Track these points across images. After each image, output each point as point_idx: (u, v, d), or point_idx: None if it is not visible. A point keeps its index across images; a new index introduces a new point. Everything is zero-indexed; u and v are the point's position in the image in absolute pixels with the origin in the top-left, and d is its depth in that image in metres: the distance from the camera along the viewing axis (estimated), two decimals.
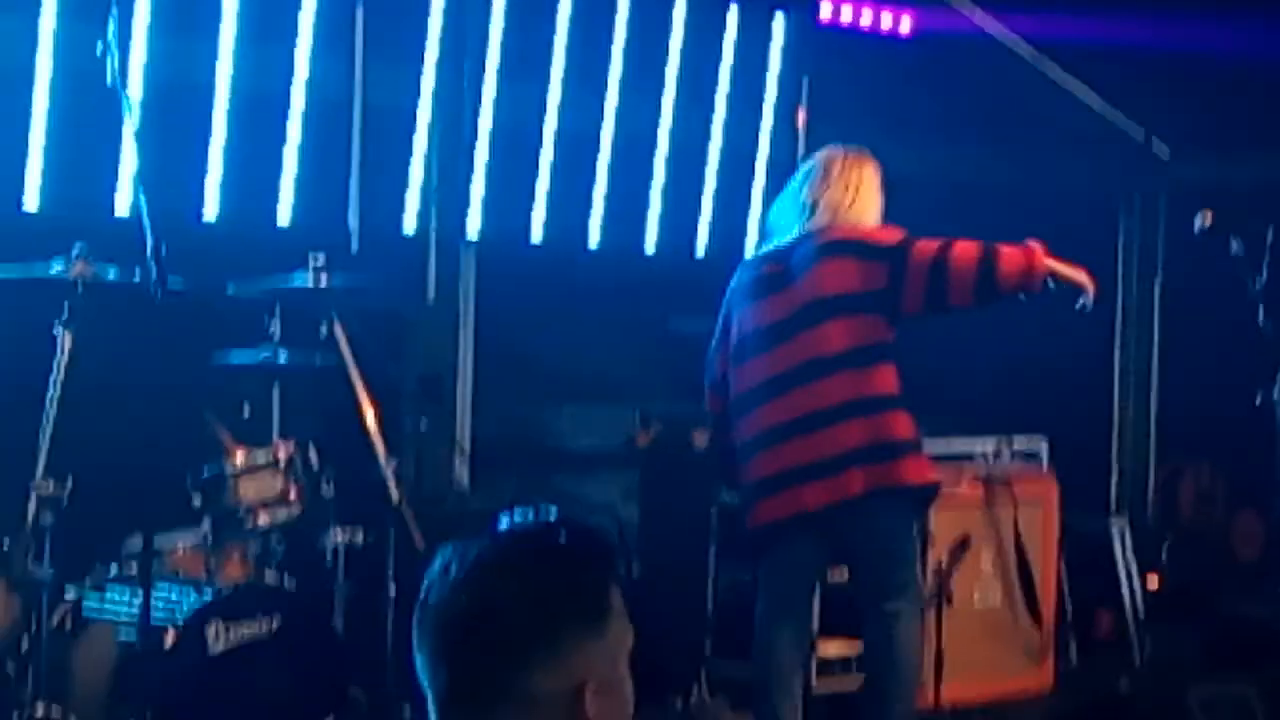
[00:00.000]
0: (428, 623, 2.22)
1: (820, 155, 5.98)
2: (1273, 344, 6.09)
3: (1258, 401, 6.20)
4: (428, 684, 2.23)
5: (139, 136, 5.50)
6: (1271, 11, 8.16)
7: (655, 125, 8.36)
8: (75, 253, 5.33)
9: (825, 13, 8.71)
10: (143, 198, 5.27)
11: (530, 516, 2.35)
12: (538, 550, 2.25)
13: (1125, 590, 7.86)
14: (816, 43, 8.77)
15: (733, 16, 8.54)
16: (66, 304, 5.33)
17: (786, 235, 5.88)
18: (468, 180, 7.79)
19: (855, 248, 5.77)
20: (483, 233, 7.84)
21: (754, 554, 5.98)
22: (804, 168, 6.01)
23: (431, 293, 7.68)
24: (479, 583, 2.18)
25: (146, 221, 5.17)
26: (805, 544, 5.82)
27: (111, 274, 5.39)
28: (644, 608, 2.30)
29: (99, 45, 5.39)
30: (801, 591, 6.02)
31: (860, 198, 5.89)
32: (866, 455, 5.62)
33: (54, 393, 5.26)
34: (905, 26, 8.89)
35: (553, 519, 2.34)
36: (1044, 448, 7.69)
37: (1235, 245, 6.10)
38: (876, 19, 8.83)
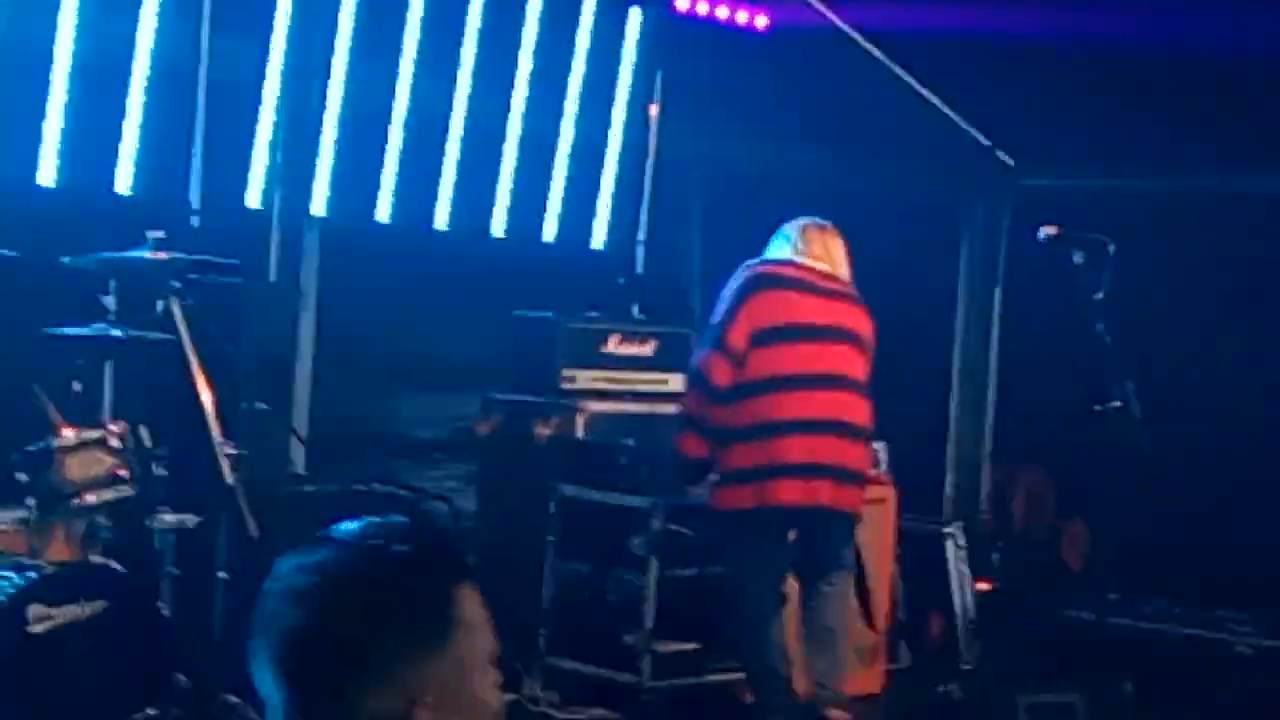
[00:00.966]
0: (264, 637, 2.12)
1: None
2: (1110, 355, 6.16)
3: (1095, 409, 6.26)
4: (265, 694, 2.14)
5: None
6: (1121, 20, 8.27)
7: (507, 111, 8.28)
8: None
9: (682, 4, 8.68)
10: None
11: (372, 521, 2.24)
12: (373, 561, 2.13)
13: (956, 595, 7.93)
14: (671, 36, 8.74)
15: (588, 6, 8.48)
16: None
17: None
18: (314, 157, 7.65)
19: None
20: (328, 210, 7.71)
21: (742, 530, 6.24)
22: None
23: (274, 270, 7.54)
24: (314, 599, 2.09)
25: None
26: (788, 533, 6.31)
27: None
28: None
29: None
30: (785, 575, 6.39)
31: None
32: (862, 479, 6.46)
33: None
34: (761, 22, 8.90)
35: (395, 525, 2.24)
36: (882, 451, 7.72)
37: (1077, 256, 6.16)
38: (733, 14, 8.82)
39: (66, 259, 5.79)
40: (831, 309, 6.36)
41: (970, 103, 9.51)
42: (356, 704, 2.08)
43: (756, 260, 6.46)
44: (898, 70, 9.20)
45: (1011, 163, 9.86)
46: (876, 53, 9.00)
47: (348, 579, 2.11)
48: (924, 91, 9.37)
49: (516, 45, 8.23)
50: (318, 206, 7.70)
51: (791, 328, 6.26)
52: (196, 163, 7.23)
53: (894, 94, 9.23)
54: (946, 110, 9.45)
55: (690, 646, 6.80)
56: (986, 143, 9.75)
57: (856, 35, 8.82)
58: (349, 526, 2.22)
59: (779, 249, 6.48)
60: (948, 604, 7.94)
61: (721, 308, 6.29)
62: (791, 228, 6.53)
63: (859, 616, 7.29)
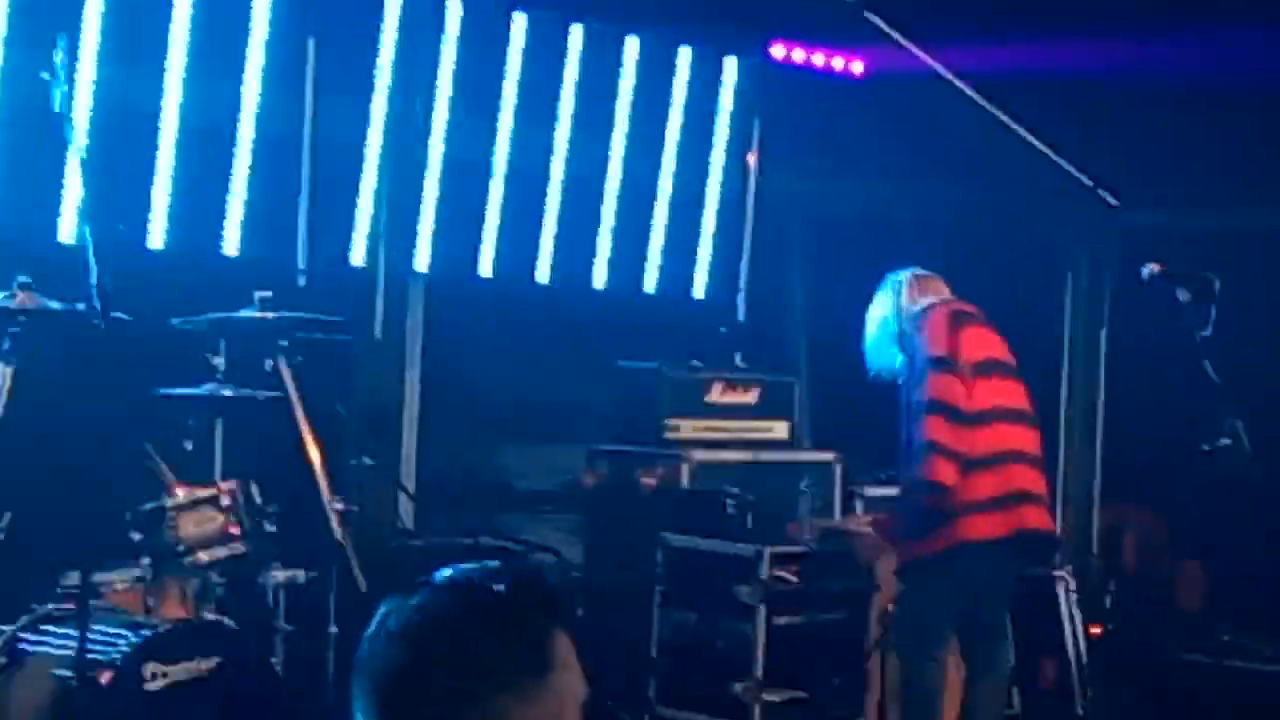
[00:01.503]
0: (363, 677, 2.16)
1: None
2: (1218, 393, 6.08)
3: (1205, 448, 6.19)
4: None
5: (85, 164, 5.43)
6: (1223, 55, 8.21)
7: (605, 162, 8.33)
8: (18, 282, 5.24)
9: (778, 53, 8.71)
10: (87, 227, 5.20)
11: (469, 566, 2.28)
12: (470, 605, 2.18)
13: (1069, 639, 7.83)
14: (768, 84, 8.77)
15: (684, 58, 8.53)
16: (8, 334, 5.23)
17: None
18: (416, 214, 7.74)
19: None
20: (431, 266, 7.80)
21: (981, 558, 6.17)
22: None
23: (379, 327, 7.62)
24: (411, 639, 2.13)
25: (91, 251, 5.10)
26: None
27: (54, 304, 5.30)
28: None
29: (45, 72, 5.32)
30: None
31: None
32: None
33: None
34: (858, 68, 8.90)
35: (492, 569, 2.27)
36: None
37: (1182, 294, 6.10)
38: (829, 60, 8.83)
39: (177, 320, 5.89)
40: (1006, 348, 6.41)
41: (1071, 142, 9.46)
42: None
43: (933, 301, 6.35)
44: (996, 111, 9.17)
45: (1115, 201, 9.79)
46: (974, 95, 8.98)
47: (444, 620, 2.14)
48: (1023, 132, 9.34)
49: (614, 97, 8.29)
50: (421, 263, 7.78)
51: (993, 362, 6.30)
52: (302, 222, 7.35)
53: (993, 135, 9.20)
54: (1047, 150, 9.40)
55: (799, 695, 6.76)
56: (1088, 182, 9.69)
57: (953, 78, 8.80)
58: (446, 571, 2.26)
59: (905, 295, 6.41)
60: (1060, 649, 7.84)
61: (930, 340, 6.19)
62: (905, 276, 6.47)
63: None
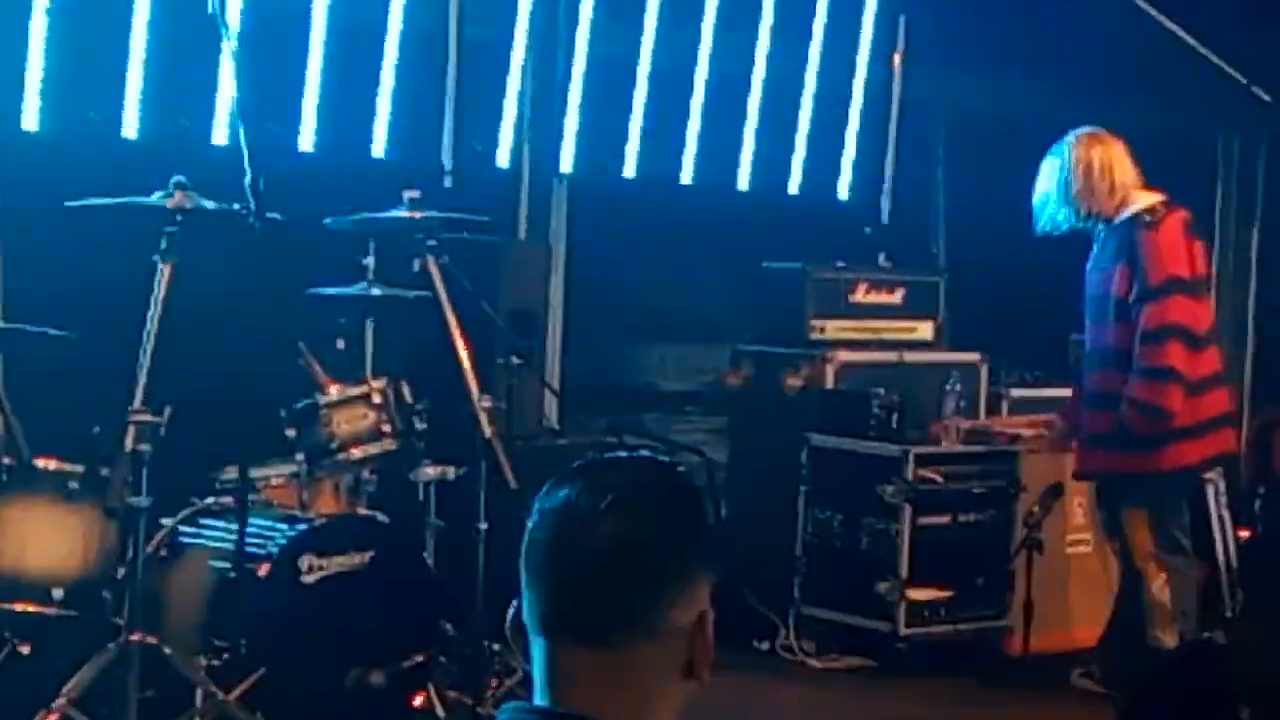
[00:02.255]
0: (553, 556, 2.13)
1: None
2: None
3: None
4: (544, 620, 2.14)
5: (238, 66, 5.49)
6: None
7: (750, 64, 8.28)
8: (175, 182, 5.33)
9: None
10: (242, 128, 5.28)
11: (631, 454, 2.31)
12: (671, 484, 2.20)
13: (1219, 542, 7.75)
14: None
15: None
16: (165, 234, 5.32)
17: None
18: (561, 115, 7.76)
19: None
20: (576, 167, 7.82)
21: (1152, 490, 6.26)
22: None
23: (524, 228, 7.67)
24: (619, 516, 2.11)
25: (246, 152, 5.17)
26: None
27: (210, 204, 5.38)
28: (732, 551, 2.25)
29: None
30: None
31: None
32: None
33: (152, 323, 5.27)
34: None
35: (649, 457, 2.31)
36: None
37: None
38: None
39: (328, 221, 5.96)
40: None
41: (1226, 39, 9.25)
42: (659, 618, 2.11)
43: (1162, 200, 6.23)
44: (1148, 8, 8.99)
45: (1269, 99, 9.57)
46: None
47: (649, 501, 2.15)
48: (1176, 29, 9.15)
49: None
50: (565, 164, 7.80)
51: (1209, 278, 6.47)
52: (448, 124, 7.39)
53: (1145, 32, 9.02)
54: (1200, 48, 9.21)
55: (944, 594, 6.77)
56: (1242, 80, 9.48)
57: None
58: (618, 458, 2.29)
59: (1084, 154, 6.23)
60: (1210, 551, 7.77)
61: (1171, 256, 6.08)
62: (1080, 134, 6.30)
63: (1116, 564, 7.20)
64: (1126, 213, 6.16)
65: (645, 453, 2.34)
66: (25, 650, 5.11)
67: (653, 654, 2.12)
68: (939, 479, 6.82)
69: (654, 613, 2.11)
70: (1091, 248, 6.29)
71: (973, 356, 7.60)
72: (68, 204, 5.36)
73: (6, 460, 5.24)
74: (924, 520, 6.78)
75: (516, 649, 5.75)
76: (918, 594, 6.74)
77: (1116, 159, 6.22)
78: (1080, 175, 6.17)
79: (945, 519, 6.83)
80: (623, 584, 2.11)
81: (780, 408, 7.32)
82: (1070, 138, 6.27)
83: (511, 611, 5.72)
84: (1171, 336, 6.03)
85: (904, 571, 6.72)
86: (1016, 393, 7.50)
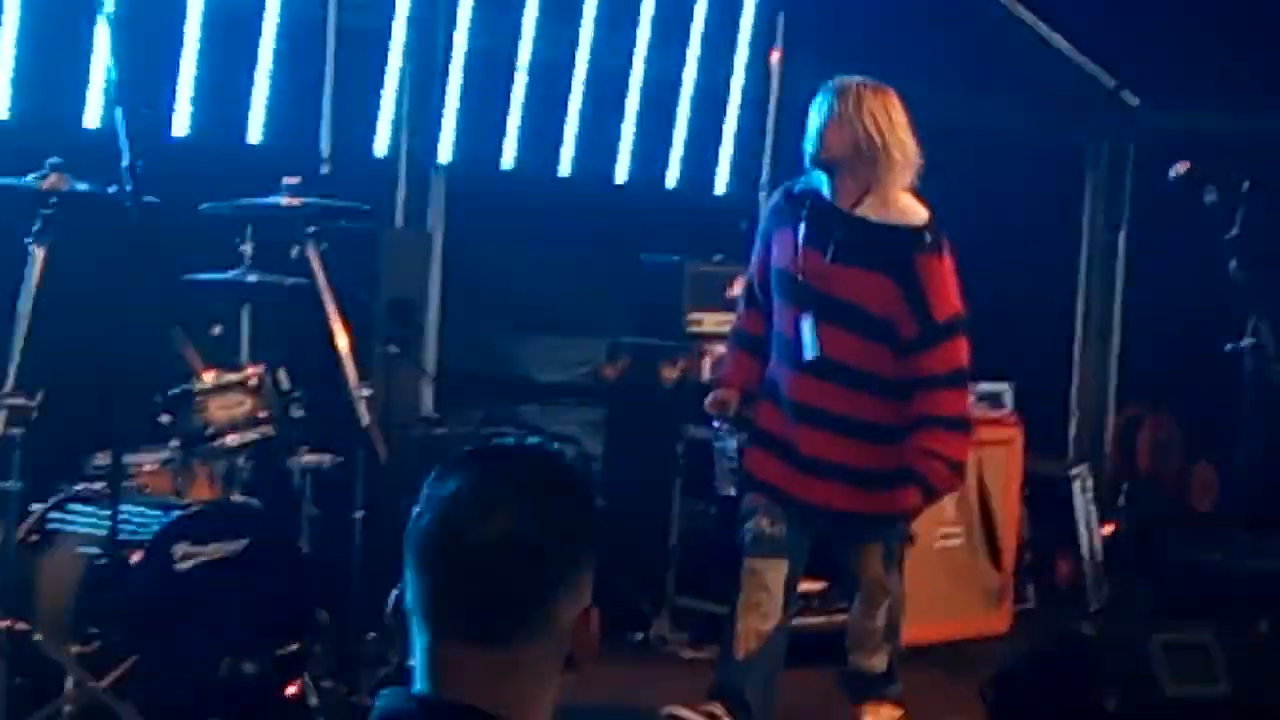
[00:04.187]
0: (442, 549, 2.08)
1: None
2: (1243, 293, 6.10)
3: (1226, 349, 6.22)
4: (430, 613, 2.10)
5: (114, 48, 5.42)
6: None
7: (630, 57, 8.31)
8: (50, 164, 5.26)
9: None
10: (118, 110, 5.21)
11: (519, 443, 2.30)
12: (561, 477, 2.18)
13: (1084, 536, 7.91)
14: None
15: None
16: (40, 216, 5.25)
17: None
18: (440, 104, 7.73)
19: None
20: (454, 157, 7.80)
21: None
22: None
23: (401, 217, 7.64)
24: (511, 511, 2.08)
25: (123, 134, 5.11)
26: None
27: (84, 187, 5.32)
28: (607, 542, 2.23)
29: None
30: None
31: None
32: None
33: (25, 305, 5.19)
34: None
35: (536, 444, 2.30)
36: (1008, 392, 7.72)
37: (1209, 195, 6.11)
38: None
39: (206, 206, 5.90)
40: None
41: (1092, 41, 9.41)
42: (547, 612, 2.09)
43: (926, 216, 5.51)
44: (1018, 9, 9.13)
45: (1136, 102, 9.76)
46: None
47: (537, 492, 2.13)
48: (1044, 30, 9.29)
49: None
50: (444, 154, 7.78)
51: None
52: (325, 111, 7.34)
53: (1014, 33, 9.16)
54: (1068, 49, 9.37)
55: (817, 586, 6.83)
56: (1109, 82, 9.65)
57: None
58: (502, 447, 2.29)
59: (867, 117, 5.41)
60: (1075, 545, 7.93)
61: (953, 288, 5.48)
62: (860, 87, 5.46)
63: (986, 557, 7.32)
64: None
65: (532, 441, 2.33)
66: None
67: (539, 649, 2.10)
68: None
69: (543, 610, 2.09)
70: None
71: None
72: None
73: None
74: None
75: (396, 638, 5.73)
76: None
77: None
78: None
79: None
80: (514, 582, 2.07)
81: (657, 400, 7.36)
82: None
83: (392, 600, 5.70)
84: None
85: None
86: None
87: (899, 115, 5.42)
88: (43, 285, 5.25)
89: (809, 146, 5.45)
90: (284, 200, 5.84)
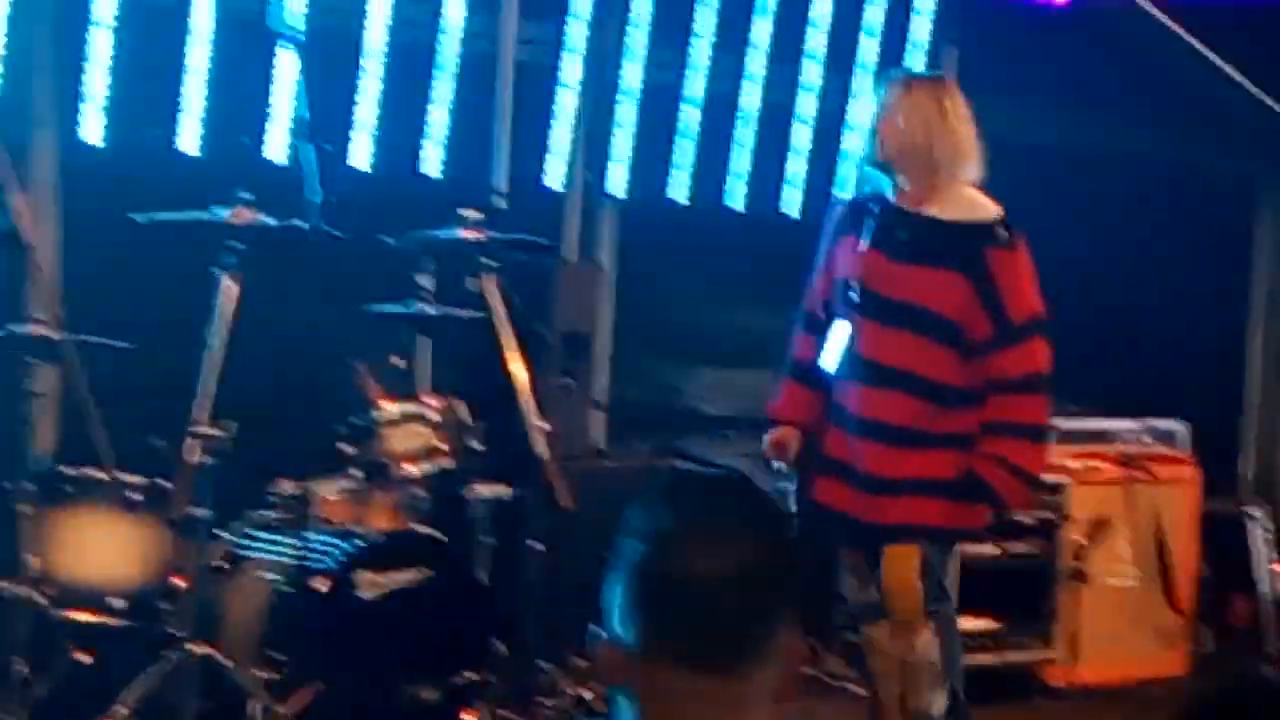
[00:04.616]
0: (667, 582, 2.11)
1: None
2: None
3: None
4: (659, 645, 2.12)
5: (302, 84, 5.54)
6: None
7: (797, 90, 8.31)
8: (240, 198, 5.37)
9: None
10: (304, 146, 5.33)
11: (716, 474, 2.32)
12: (766, 507, 2.21)
13: (1261, 577, 7.75)
14: (963, 12, 8.67)
15: None
16: (229, 249, 5.36)
17: None
18: (611, 138, 7.79)
19: None
20: (626, 190, 7.86)
21: None
22: None
23: (574, 249, 7.70)
24: (731, 541, 2.11)
25: (312, 169, 5.22)
26: None
27: (272, 220, 5.42)
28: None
29: None
30: None
31: None
32: None
33: (215, 337, 5.31)
34: None
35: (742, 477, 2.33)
36: (1183, 431, 7.61)
37: None
38: None
39: (389, 239, 5.99)
40: None
41: (1264, 67, 9.25)
42: (773, 642, 2.13)
43: (998, 213, 5.25)
44: (1195, 42, 9.00)
45: None
46: (1174, 25, 8.82)
47: (761, 517, 2.17)
48: (1221, 63, 9.16)
49: (809, 23, 8.25)
50: (616, 186, 7.84)
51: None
52: (500, 144, 7.43)
53: (1191, 66, 9.03)
54: (1247, 84, 9.22)
55: (991, 625, 6.77)
56: None
57: (1154, 9, 8.65)
58: (707, 475, 2.31)
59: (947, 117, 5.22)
60: (1251, 587, 7.77)
61: (1033, 287, 5.22)
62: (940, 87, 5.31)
63: (1162, 598, 7.21)
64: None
65: (722, 472, 2.35)
66: (85, 659, 5.14)
67: (761, 679, 2.14)
68: None
69: (769, 640, 2.13)
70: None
71: None
72: (134, 217, 5.39)
73: (69, 470, 5.27)
74: (971, 550, 6.78)
75: (594, 670, 5.62)
76: (965, 623, 6.73)
77: None
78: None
79: (992, 549, 6.83)
80: (746, 613, 2.11)
81: None
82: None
83: (592, 634, 5.55)
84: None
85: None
86: (1064, 424, 7.50)
87: (953, 106, 5.12)
88: (230, 317, 5.35)
89: (865, 147, 5.24)
90: (464, 233, 5.91)
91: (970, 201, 5.10)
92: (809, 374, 5.36)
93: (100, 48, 6.41)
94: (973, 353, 5.01)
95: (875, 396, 5.09)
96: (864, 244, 5.14)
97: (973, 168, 5.13)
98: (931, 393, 5.03)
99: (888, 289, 5.08)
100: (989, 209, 5.10)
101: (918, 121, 5.05)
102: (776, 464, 5.40)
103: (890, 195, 5.15)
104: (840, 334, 5.17)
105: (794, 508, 5.29)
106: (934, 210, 5.07)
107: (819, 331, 5.33)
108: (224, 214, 5.35)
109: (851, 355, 5.15)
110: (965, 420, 5.04)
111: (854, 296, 5.15)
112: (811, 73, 8.31)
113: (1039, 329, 5.09)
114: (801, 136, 8.32)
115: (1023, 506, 5.36)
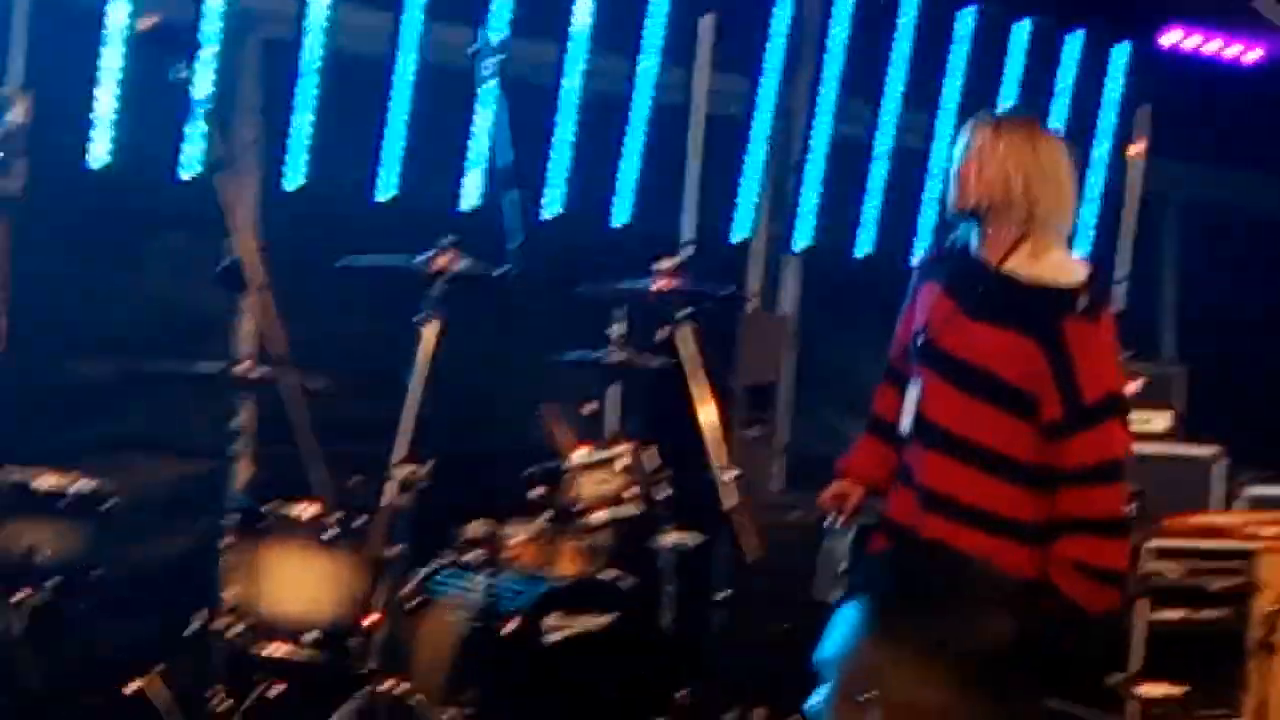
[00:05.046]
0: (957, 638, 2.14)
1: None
2: None
3: None
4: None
5: (503, 133, 5.64)
6: None
7: None
8: (442, 242, 5.47)
9: (1168, 40, 8.53)
10: (505, 193, 5.43)
11: None
12: None
13: None
14: (1157, 71, 8.60)
15: (1074, 43, 8.42)
16: (429, 293, 5.46)
17: None
18: (798, 191, 7.83)
19: None
20: (810, 242, 7.88)
21: None
22: None
23: (758, 300, 7.74)
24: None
25: (511, 216, 5.31)
26: None
27: (471, 266, 5.52)
28: None
29: (471, 45, 5.57)
30: None
31: None
32: None
33: (415, 380, 5.40)
34: (1252, 56, 8.66)
35: None
36: None
37: None
38: (1222, 48, 8.61)
39: (581, 288, 6.07)
40: None
41: None
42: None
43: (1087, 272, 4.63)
44: None
45: None
46: None
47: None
48: None
49: (1000, 82, 8.24)
50: (799, 240, 7.87)
51: None
52: (688, 196, 7.50)
53: None
54: None
55: (1177, 691, 6.65)
56: None
57: None
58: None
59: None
60: None
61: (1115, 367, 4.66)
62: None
63: None
64: None
65: None
66: (277, 691, 5.24)
67: None
68: (1175, 573, 6.71)
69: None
70: None
71: (1210, 449, 7.49)
72: (343, 262, 5.51)
73: (269, 506, 5.39)
74: (1158, 615, 6.68)
75: None
76: (1150, 690, 6.63)
77: None
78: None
79: (1180, 614, 6.72)
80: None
81: None
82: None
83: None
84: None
85: (1135, 665, 6.62)
86: (1254, 490, 7.37)
87: (1050, 154, 4.57)
88: (429, 359, 5.44)
89: (948, 193, 4.68)
90: (656, 283, 5.97)
91: (1057, 262, 4.53)
92: (885, 429, 4.87)
93: (304, 95, 6.58)
94: (1046, 434, 4.46)
95: (942, 465, 4.55)
96: (940, 293, 4.67)
97: (1066, 221, 4.58)
98: (1004, 469, 4.49)
99: (957, 346, 4.55)
100: (1075, 272, 4.52)
101: (1010, 167, 4.51)
102: (831, 518, 4.99)
103: (973, 245, 4.62)
104: (913, 390, 4.69)
105: (845, 565, 4.85)
106: (1017, 268, 4.52)
107: (900, 384, 4.83)
108: (425, 259, 5.45)
109: (919, 414, 4.65)
110: (1039, 507, 4.50)
111: (924, 348, 4.67)
112: None
113: (1115, 410, 4.49)
114: None
115: (1106, 609, 4.56)
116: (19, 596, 5.02)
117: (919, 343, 4.65)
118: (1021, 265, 4.48)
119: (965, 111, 8.14)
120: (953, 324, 4.53)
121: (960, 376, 4.50)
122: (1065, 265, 4.51)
